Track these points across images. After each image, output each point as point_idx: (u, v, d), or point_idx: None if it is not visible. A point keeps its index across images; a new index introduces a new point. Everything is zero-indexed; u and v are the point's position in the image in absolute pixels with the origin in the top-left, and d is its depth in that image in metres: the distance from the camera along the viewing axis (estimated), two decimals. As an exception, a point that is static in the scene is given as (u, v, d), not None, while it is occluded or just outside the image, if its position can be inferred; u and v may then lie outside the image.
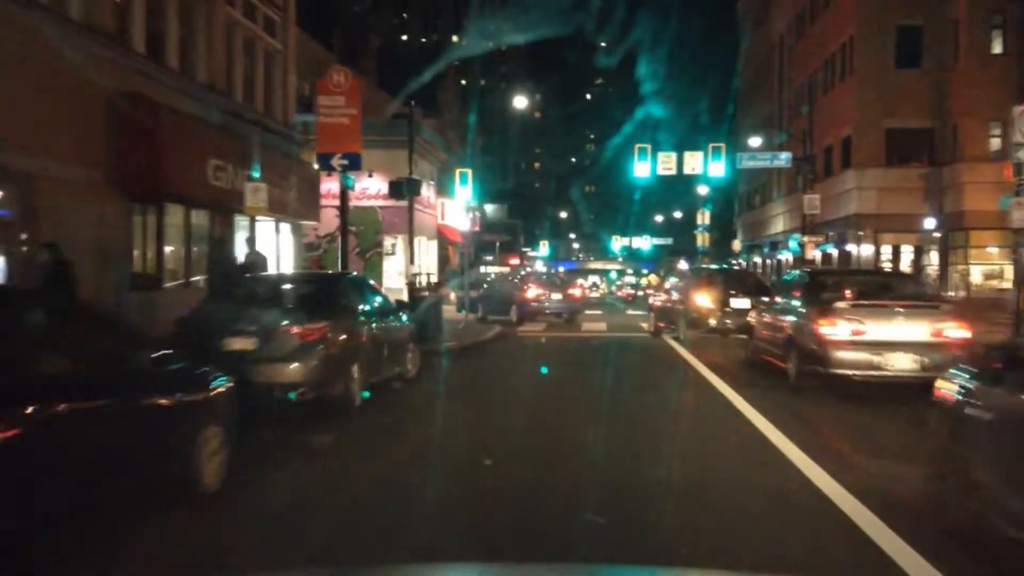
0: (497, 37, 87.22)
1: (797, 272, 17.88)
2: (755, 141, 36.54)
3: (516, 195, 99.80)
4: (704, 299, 19.34)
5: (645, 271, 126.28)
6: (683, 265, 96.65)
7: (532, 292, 26.54)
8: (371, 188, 34.34)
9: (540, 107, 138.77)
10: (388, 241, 35.30)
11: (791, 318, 13.24)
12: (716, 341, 18.98)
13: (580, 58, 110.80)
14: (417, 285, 21.37)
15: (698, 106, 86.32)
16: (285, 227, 21.32)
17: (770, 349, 14.07)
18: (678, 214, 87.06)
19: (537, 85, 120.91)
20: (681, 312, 19.78)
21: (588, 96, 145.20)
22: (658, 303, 22.60)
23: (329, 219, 33.87)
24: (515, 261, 73.56)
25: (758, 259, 57.42)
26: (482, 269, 64.31)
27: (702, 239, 68.77)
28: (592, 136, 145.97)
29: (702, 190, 61.40)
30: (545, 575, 2.89)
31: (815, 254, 36.92)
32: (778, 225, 52.34)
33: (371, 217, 34.61)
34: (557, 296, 26.85)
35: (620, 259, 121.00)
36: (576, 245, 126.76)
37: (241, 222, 18.85)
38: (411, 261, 21.88)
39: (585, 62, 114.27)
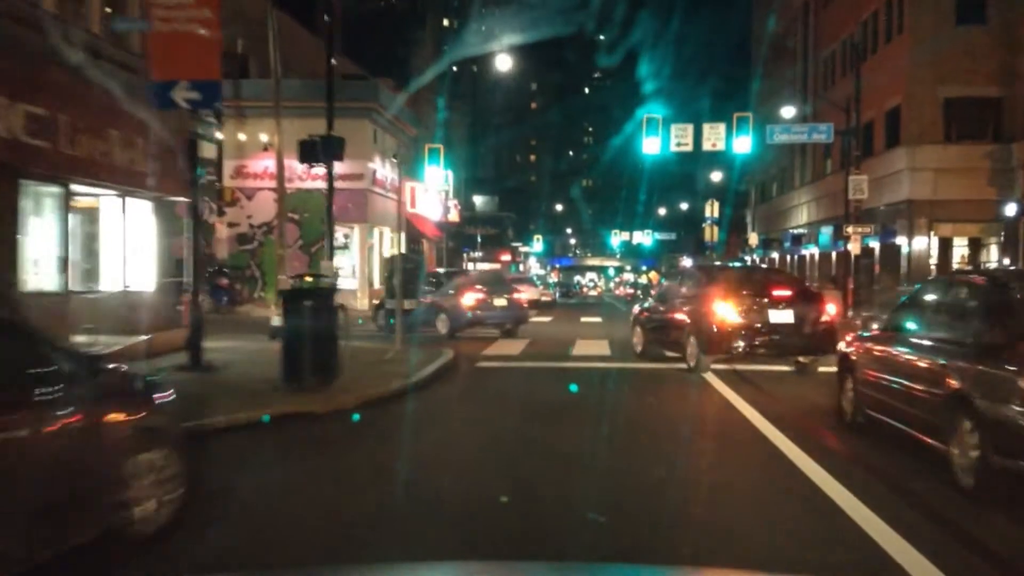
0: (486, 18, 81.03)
1: (959, 279, 9.03)
2: (787, 111, 30.17)
3: (508, 187, 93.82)
4: (727, 310, 13.14)
5: (645, 268, 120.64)
6: (687, 262, 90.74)
7: (468, 298, 20.06)
8: (318, 167, 27.83)
9: (536, 97, 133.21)
10: (340, 232, 28.89)
11: (957, 362, 7.03)
12: (755, 374, 13.06)
13: (580, 41, 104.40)
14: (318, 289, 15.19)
15: (710, 84, 79.81)
16: (139, 205, 14.88)
17: (904, 409, 7.82)
18: (684, 205, 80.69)
19: (533, 71, 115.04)
20: (690, 328, 13.65)
21: (587, 89, 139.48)
22: (646, 313, 16.23)
23: (265, 204, 27.36)
24: (506, 257, 67.40)
25: (775, 255, 51.11)
26: (470, 267, 58.14)
27: (710, 233, 62.38)
28: (591, 129, 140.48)
29: (715, 176, 54.98)
30: (545, 575, 2.74)
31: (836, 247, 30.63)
32: (800, 216, 46.06)
33: (317, 202, 28.20)
34: (500, 302, 20.34)
35: (618, 256, 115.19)
36: (573, 241, 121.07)
37: (44, 194, 12.37)
38: (329, 256, 15.24)
39: (586, 48, 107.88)
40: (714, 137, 28.27)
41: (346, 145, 27.43)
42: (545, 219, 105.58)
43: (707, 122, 28.53)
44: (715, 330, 12.93)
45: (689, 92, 72.40)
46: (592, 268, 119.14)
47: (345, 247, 28.52)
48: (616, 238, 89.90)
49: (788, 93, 43.80)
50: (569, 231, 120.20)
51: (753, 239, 45.26)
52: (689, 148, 28.41)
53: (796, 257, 46.65)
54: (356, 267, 27.59)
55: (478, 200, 78.17)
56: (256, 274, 28.52)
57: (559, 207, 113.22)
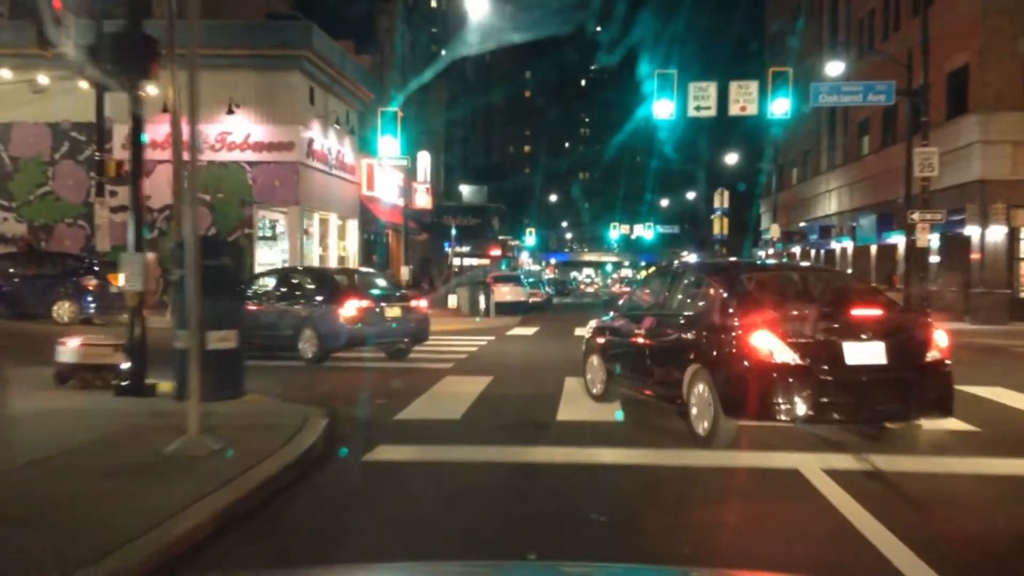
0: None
1: None
2: (835, 68, 23.97)
3: (499, 176, 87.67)
4: (772, 343, 6.99)
5: (644, 263, 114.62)
6: (692, 258, 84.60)
7: (349, 308, 13.32)
8: (236, 133, 21.81)
9: (530, 85, 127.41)
10: (265, 217, 22.81)
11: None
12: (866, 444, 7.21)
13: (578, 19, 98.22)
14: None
15: (725, 48, 73.64)
16: None
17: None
18: (691, 195, 74.54)
19: (527, 58, 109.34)
20: (698, 365, 7.69)
21: (584, 81, 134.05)
22: (608, 334, 9.85)
23: (169, 181, 21.29)
24: (496, 252, 61.24)
25: (796, 249, 45.00)
26: (456, 262, 51.95)
27: (719, 225, 56.27)
28: (587, 120, 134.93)
29: (730, 159, 48.77)
30: (544, 575, 2.72)
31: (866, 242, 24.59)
32: (829, 205, 39.97)
33: (235, 179, 22.14)
34: (394, 312, 13.93)
35: (616, 250, 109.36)
36: (569, 235, 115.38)
37: None
38: (137, 247, 8.89)
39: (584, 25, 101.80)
40: (743, 98, 22.15)
41: (265, 100, 21.35)
42: (540, 212, 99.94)
43: (735, 80, 22.28)
44: (750, 375, 7.00)
45: (703, 55, 66.14)
46: (589, 264, 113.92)
47: (272, 238, 22.39)
48: (615, 232, 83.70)
49: (829, 49, 37.55)
50: (565, 225, 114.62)
51: (775, 231, 39.19)
52: (711, 112, 22.27)
53: (824, 252, 40.53)
54: (284, 262, 21.56)
55: (465, 190, 71.95)
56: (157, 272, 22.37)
57: (554, 198, 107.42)
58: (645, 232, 79.64)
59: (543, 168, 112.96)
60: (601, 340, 9.71)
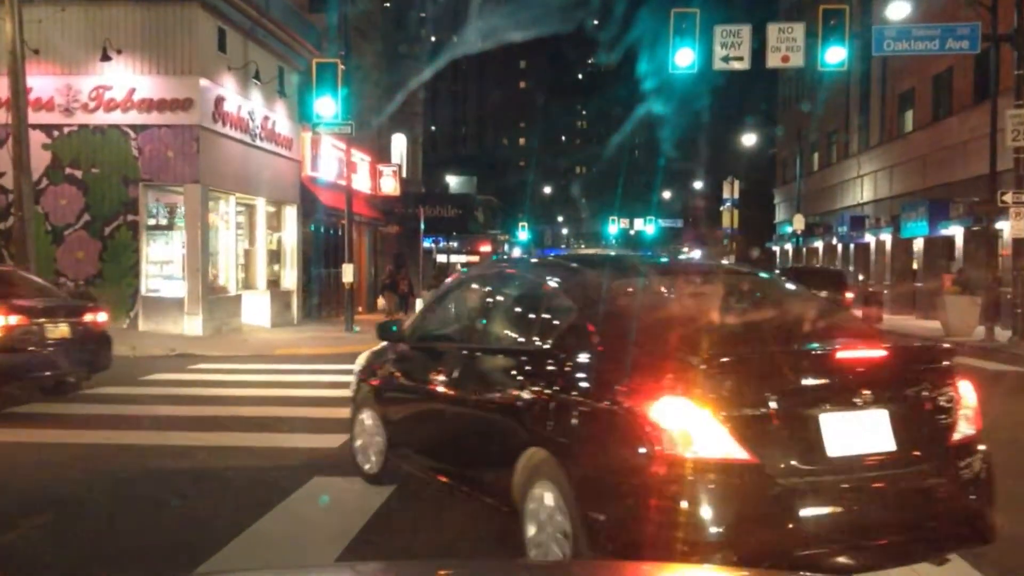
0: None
1: None
2: (901, 8, 18.68)
3: (492, 168, 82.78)
4: (705, 430, 3.47)
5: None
6: (695, 254, 79.65)
7: None
8: (117, 87, 16.53)
9: (526, 76, 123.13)
10: (160, 201, 17.54)
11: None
12: None
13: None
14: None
15: None
16: None
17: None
18: (699, 184, 69.16)
19: (521, 45, 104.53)
20: (543, 463, 4.03)
21: (581, 70, 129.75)
22: (383, 382, 5.94)
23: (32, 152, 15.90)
24: (486, 248, 55.89)
25: (819, 243, 39.88)
26: (442, 259, 46.88)
27: (729, 218, 51.05)
28: (584, 112, 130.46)
29: (747, 140, 43.47)
30: (544, 575, 2.49)
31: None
32: (860, 192, 34.82)
33: (116, 149, 16.81)
34: (59, 331, 8.96)
35: (614, 246, 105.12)
36: (565, 231, 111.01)
37: None
38: None
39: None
40: (786, 45, 16.99)
41: (155, 43, 16.16)
42: (535, 206, 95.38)
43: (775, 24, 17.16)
44: (646, 481, 3.55)
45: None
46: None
47: (169, 227, 17.06)
48: (613, 226, 78.55)
49: None
50: (561, 219, 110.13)
51: (799, 222, 33.93)
52: (743, 64, 17.13)
53: (853, 247, 35.35)
54: (184, 259, 16.32)
55: (452, 180, 66.97)
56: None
57: (550, 192, 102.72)
58: (646, 227, 74.34)
59: (539, 160, 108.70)
60: (377, 384, 5.99)
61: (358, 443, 6.11)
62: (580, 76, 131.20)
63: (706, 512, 3.46)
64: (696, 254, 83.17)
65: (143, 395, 9.80)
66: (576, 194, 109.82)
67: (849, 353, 3.94)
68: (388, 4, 39.96)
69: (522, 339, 4.73)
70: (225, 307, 17.42)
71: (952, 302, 19.72)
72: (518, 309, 5.07)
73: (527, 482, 4.11)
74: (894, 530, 3.76)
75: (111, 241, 16.58)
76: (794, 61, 17.19)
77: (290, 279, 21.61)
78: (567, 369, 4.13)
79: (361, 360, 6.37)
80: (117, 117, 16.29)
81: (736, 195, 51.43)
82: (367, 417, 6.00)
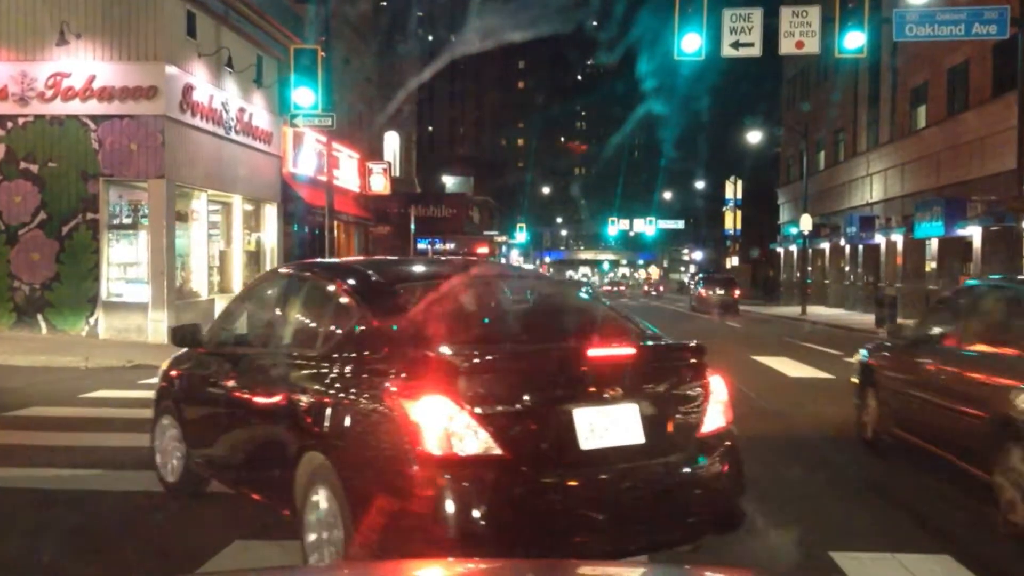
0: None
1: None
2: (921, -12, 17.43)
3: (489, 168, 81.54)
4: (464, 428, 3.67)
5: (642, 261, 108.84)
6: (697, 255, 78.20)
7: None
8: (75, 74, 15.31)
9: (525, 77, 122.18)
10: (124, 198, 16.27)
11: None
12: None
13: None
14: None
15: None
16: None
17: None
18: (701, 184, 67.76)
19: (520, 47, 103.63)
20: (320, 468, 4.17)
21: (580, 72, 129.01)
22: (182, 387, 5.98)
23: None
24: (483, 250, 54.61)
25: (825, 244, 38.63)
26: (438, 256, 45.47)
27: (732, 219, 49.80)
28: (583, 112, 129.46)
29: (750, 138, 42.19)
30: (544, 574, 2.44)
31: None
32: (869, 192, 33.62)
33: (74, 141, 15.54)
34: None
35: (614, 248, 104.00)
36: (565, 232, 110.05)
37: None
38: None
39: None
40: (800, 30, 15.76)
41: (116, 26, 14.91)
42: (534, 208, 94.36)
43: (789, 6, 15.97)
44: (409, 480, 3.71)
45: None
46: (585, 262, 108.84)
47: (132, 226, 15.76)
48: (613, 228, 77.37)
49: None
50: (560, 221, 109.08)
51: (806, 222, 32.58)
52: (754, 50, 15.88)
53: (862, 248, 34.10)
54: (148, 261, 15.02)
55: (449, 180, 65.76)
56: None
57: (549, 193, 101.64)
58: (646, 228, 73.06)
59: (537, 161, 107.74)
60: (176, 390, 5.97)
61: (158, 451, 5.98)
62: (579, 76, 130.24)
63: (464, 509, 3.58)
64: (697, 255, 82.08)
65: (69, 419, 8.47)
66: (575, 195, 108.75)
67: (601, 351, 4.12)
68: (385, 2, 38.84)
69: (306, 343, 4.72)
70: (196, 313, 16.10)
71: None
72: (305, 313, 5.07)
73: (307, 486, 4.15)
74: (646, 517, 4.00)
75: (69, 241, 15.28)
76: (809, 47, 15.95)
77: (270, 282, 20.28)
78: (341, 372, 4.17)
79: (164, 365, 6.24)
80: (76, 107, 15.00)
81: (739, 195, 50.23)
82: (167, 423, 5.89)
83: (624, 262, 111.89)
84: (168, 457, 5.85)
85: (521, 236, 71.90)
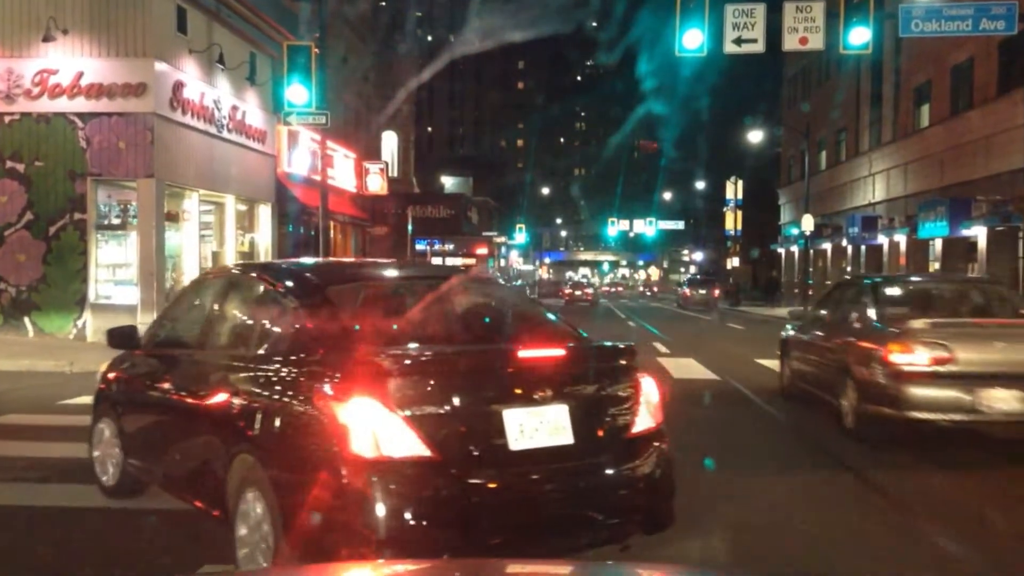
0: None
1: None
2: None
3: (489, 169, 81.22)
4: (391, 430, 3.64)
5: (642, 262, 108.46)
6: (697, 256, 77.78)
7: None
8: (62, 71, 14.96)
9: (524, 77, 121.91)
10: (113, 198, 15.92)
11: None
12: None
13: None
14: None
15: None
16: None
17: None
18: (701, 184, 67.45)
19: (520, 46, 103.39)
20: (252, 470, 4.10)
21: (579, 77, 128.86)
22: (123, 388, 5.84)
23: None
24: (483, 251, 54.33)
25: (827, 245, 38.32)
26: (436, 262, 45.16)
27: (732, 220, 49.47)
28: (583, 112, 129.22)
29: (751, 138, 41.88)
30: (544, 575, 2.53)
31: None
32: (871, 192, 33.33)
33: (61, 140, 15.19)
34: None
35: (613, 248, 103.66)
36: (564, 233, 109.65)
37: None
38: None
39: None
40: (804, 26, 15.45)
41: (104, 22, 14.57)
42: (533, 208, 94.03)
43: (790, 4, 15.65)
44: (338, 482, 3.69)
45: None
46: (585, 263, 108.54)
47: (122, 227, 15.42)
48: (613, 228, 76.99)
49: None
50: (560, 221, 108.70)
51: (807, 222, 32.27)
52: (757, 47, 15.59)
53: (865, 248, 33.76)
54: (136, 262, 14.68)
55: (448, 181, 65.49)
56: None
57: (549, 194, 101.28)
58: (646, 228, 72.70)
59: (537, 161, 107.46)
60: (114, 393, 5.87)
61: (96, 454, 5.90)
62: (579, 77, 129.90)
63: (393, 510, 3.56)
64: (697, 256, 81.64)
65: (44, 427, 8.12)
66: (575, 195, 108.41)
67: (531, 352, 4.10)
68: (384, 2, 38.51)
69: (242, 345, 4.68)
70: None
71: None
72: (242, 314, 5.01)
73: (238, 488, 4.08)
74: (576, 517, 3.99)
75: (56, 242, 14.94)
76: (813, 43, 15.64)
77: (264, 283, 19.94)
78: (275, 374, 4.14)
79: (102, 367, 6.17)
80: (63, 104, 14.66)
81: (739, 195, 49.89)
82: (105, 427, 5.82)
83: (624, 263, 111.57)
84: (106, 461, 5.75)
85: (520, 237, 71.54)
